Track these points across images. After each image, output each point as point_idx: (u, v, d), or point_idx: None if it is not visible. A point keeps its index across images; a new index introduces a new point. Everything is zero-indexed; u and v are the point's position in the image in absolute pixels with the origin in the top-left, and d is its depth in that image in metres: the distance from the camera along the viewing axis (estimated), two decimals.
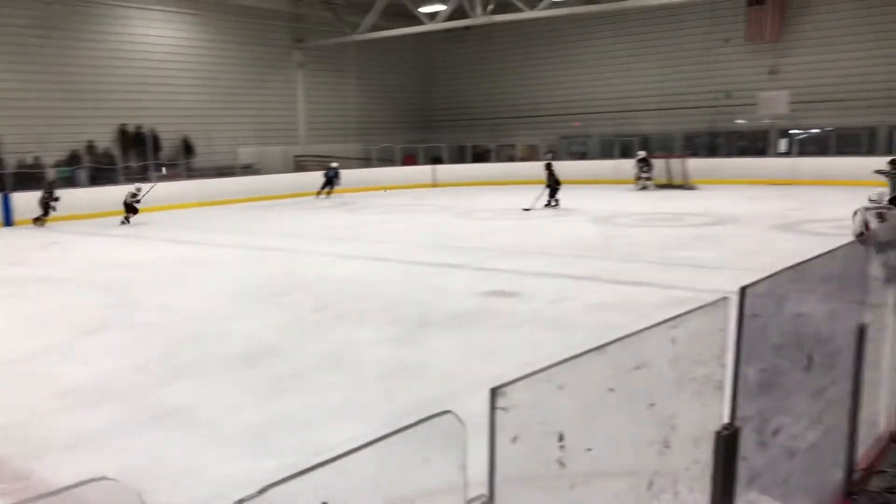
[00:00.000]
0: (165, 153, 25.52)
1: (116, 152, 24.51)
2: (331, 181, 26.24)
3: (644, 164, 25.12)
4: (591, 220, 17.39)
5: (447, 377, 6.48)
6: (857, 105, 25.54)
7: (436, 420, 1.13)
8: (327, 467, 1.01)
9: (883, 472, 2.94)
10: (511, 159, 32.30)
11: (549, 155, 26.58)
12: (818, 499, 2.61)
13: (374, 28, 27.94)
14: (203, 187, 23.93)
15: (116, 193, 20.24)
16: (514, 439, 1.23)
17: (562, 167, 28.91)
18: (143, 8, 25.20)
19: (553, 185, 20.48)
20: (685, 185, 24.82)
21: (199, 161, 25.90)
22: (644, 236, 14.86)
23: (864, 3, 25.10)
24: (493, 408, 1.20)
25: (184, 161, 25.52)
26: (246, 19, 27.90)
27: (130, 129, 24.82)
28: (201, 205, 23.18)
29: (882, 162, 22.07)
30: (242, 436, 5.40)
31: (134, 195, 19.34)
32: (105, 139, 24.32)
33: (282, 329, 8.39)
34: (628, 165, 26.46)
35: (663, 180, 25.32)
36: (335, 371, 6.89)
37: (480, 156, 32.64)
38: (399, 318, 8.71)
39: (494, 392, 1.20)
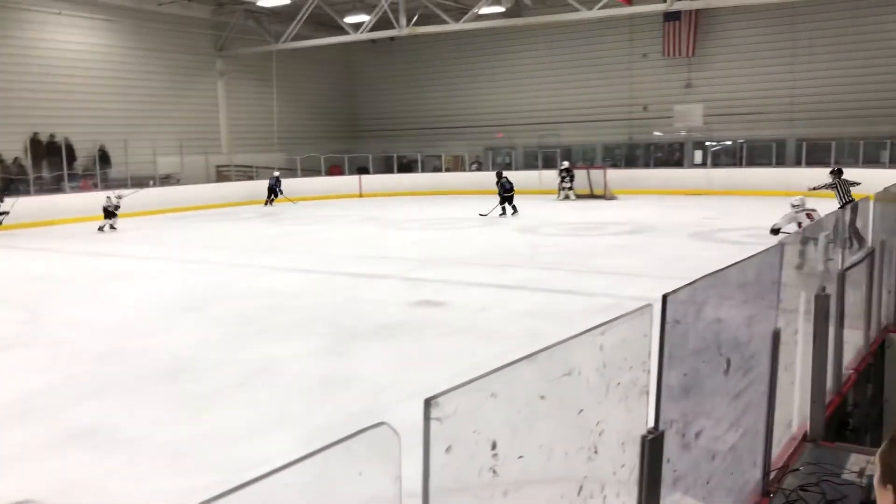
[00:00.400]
0: (80, 163, 24.61)
1: (27, 162, 23.49)
2: (272, 190, 26.28)
3: (566, 174, 25.60)
4: (517, 230, 17.62)
5: (378, 388, 6.44)
6: (765, 118, 26.74)
7: (370, 432, 1.13)
8: (257, 485, 1.00)
9: (796, 470, 3.07)
10: (437, 170, 32.45)
11: (565, 163, 26.90)
12: (737, 498, 2.71)
13: (298, 37, 27.68)
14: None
15: (29, 205, 19.45)
16: (448, 449, 1.24)
17: (487, 178, 29.23)
18: (55, 13, 24.28)
19: (503, 194, 20.80)
20: (606, 196, 25.42)
21: (115, 171, 25.06)
22: (568, 245, 15.15)
23: (770, 22, 26.29)
24: (427, 418, 1.20)
25: (100, 171, 24.64)
26: (165, 26, 27.22)
27: (43, 138, 23.84)
28: (119, 216, 22.41)
29: (792, 173, 23.16)
30: (164, 454, 5.24)
31: (110, 199, 19.63)
32: (15, 149, 23.29)
33: (206, 343, 8.20)
34: (552, 176, 26.95)
35: (585, 191, 25.87)
36: (262, 385, 6.77)
37: (406, 166, 32.68)
38: (327, 329, 8.62)
39: (429, 402, 1.21)
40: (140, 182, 24.54)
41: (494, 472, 1.39)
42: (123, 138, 24.49)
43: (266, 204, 26.21)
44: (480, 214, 20.49)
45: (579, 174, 26.06)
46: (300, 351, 7.73)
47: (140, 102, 26.52)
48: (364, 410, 5.77)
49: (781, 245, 2.86)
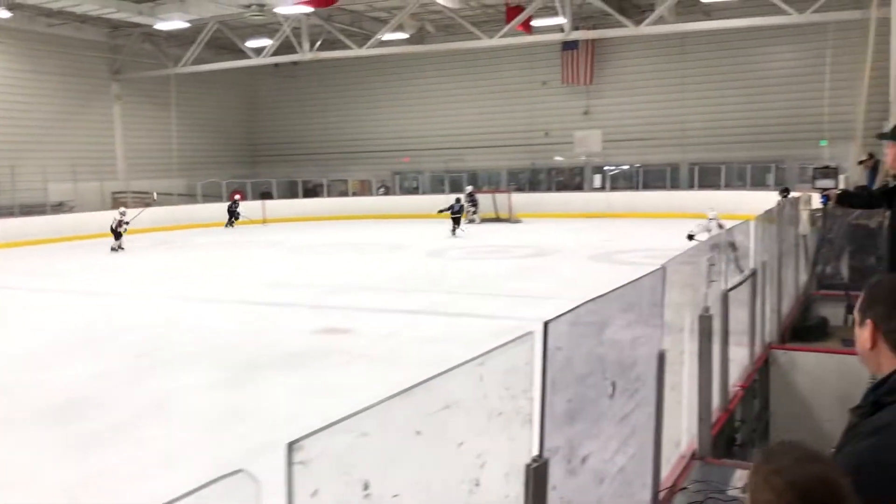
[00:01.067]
0: None
1: None
2: (232, 212, 26.74)
3: (470, 198, 25.86)
4: (425, 254, 17.66)
5: (281, 420, 6.27)
6: (660, 143, 27.89)
7: (226, 481, 1.07)
8: None
9: (685, 489, 3.14)
10: (343, 194, 32.26)
11: (469, 187, 27.17)
12: None
13: (198, 61, 27.10)
14: (7, 227, 21.97)
15: None
16: (315, 493, 1.19)
17: (395, 202, 29.26)
18: None
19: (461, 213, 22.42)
20: (511, 219, 25.84)
21: (2, 198, 23.76)
22: (474, 269, 15.29)
23: (662, 52, 27.51)
24: (290, 463, 1.16)
25: None
26: (57, 48, 26.14)
27: None
28: (6, 246, 21.24)
29: (685, 196, 24.15)
30: (55, 496, 4.95)
31: (119, 221, 19.79)
32: None
33: (100, 378, 7.81)
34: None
35: (491, 214, 26.22)
36: (159, 421, 6.49)
37: (312, 191, 32.34)
38: (228, 361, 8.36)
39: (291, 446, 1.16)
40: (30, 210, 23.40)
41: None
42: (10, 164, 23.28)
43: (227, 226, 26.47)
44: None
45: (485, 198, 26.41)
46: (199, 384, 7.47)
47: (30, 127, 25.35)
48: (264, 445, 5.59)
49: (664, 268, 2.94)
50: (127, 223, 19.91)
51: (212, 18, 25.22)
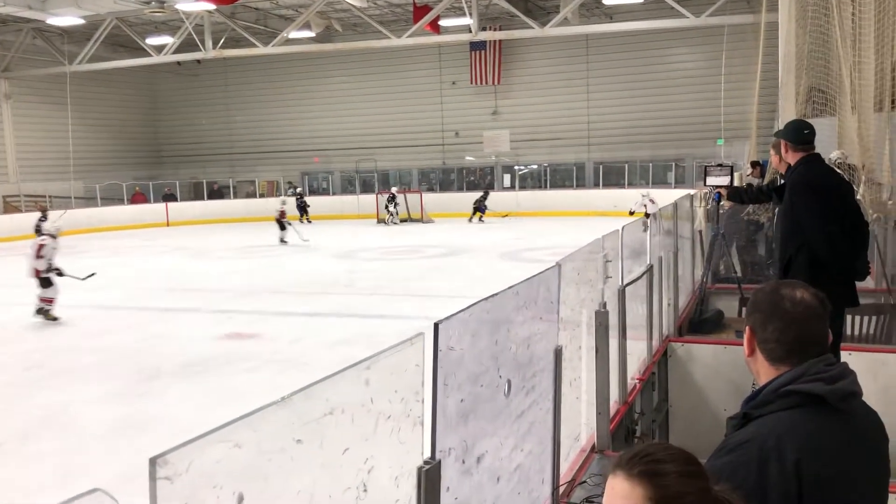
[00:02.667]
0: None
1: None
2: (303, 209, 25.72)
3: (391, 199, 25.77)
4: (334, 256, 17.47)
5: (182, 430, 5.99)
6: (566, 143, 28.51)
7: (82, 500, 1.01)
8: None
9: (584, 482, 3.19)
10: (251, 196, 31.58)
11: (394, 188, 27.05)
12: None
13: (95, 58, 25.97)
14: None
15: None
16: None
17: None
18: None
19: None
20: (423, 219, 25.88)
21: None
22: (385, 270, 15.23)
23: (567, 54, 28.11)
24: (153, 479, 1.10)
25: None
26: None
27: None
28: None
29: (591, 194, 24.74)
30: None
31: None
32: None
33: None
34: (370, 201, 27.09)
35: (403, 214, 26.21)
36: (50, 436, 6.19)
37: (218, 192, 31.51)
38: (126, 370, 8.05)
39: (154, 461, 1.10)
40: None
41: None
42: None
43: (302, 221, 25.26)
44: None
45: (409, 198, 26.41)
46: (95, 395, 7.16)
47: None
48: None
49: (558, 265, 2.98)
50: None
51: (109, 14, 24.20)
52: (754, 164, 11.81)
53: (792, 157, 4.36)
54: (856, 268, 4.35)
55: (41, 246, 10.87)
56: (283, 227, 20.40)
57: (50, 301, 10.73)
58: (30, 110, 28.09)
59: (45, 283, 10.79)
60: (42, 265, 10.70)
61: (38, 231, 17.32)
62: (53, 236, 11.05)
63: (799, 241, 4.33)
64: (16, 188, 27.02)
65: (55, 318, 10.71)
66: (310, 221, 25.74)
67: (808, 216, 4.27)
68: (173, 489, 1.13)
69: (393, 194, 26.01)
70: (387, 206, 25.67)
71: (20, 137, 27.81)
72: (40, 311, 10.70)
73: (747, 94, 22.34)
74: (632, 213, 19.83)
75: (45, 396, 7.22)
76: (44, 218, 17.98)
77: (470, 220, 25.01)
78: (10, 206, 26.51)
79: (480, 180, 30.77)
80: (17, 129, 27.76)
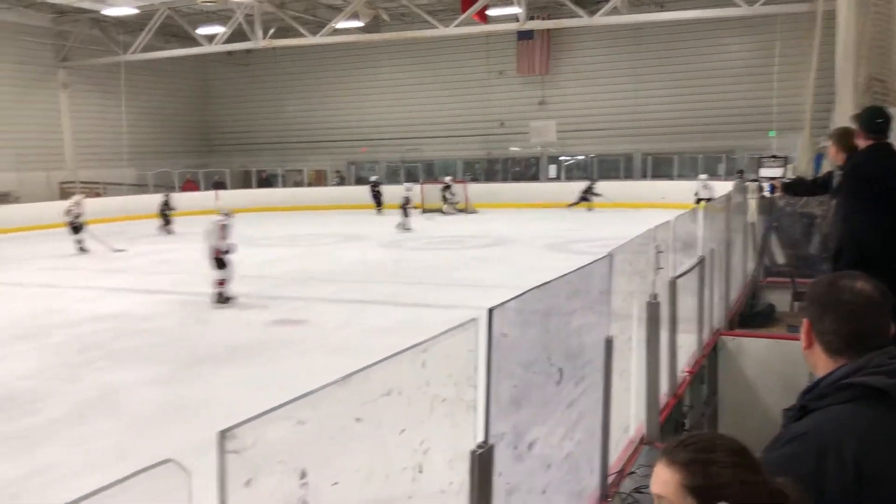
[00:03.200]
0: None
1: None
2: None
3: (447, 188, 25.81)
4: (381, 246, 17.58)
5: (228, 414, 6.13)
6: (614, 134, 28.17)
7: (155, 470, 1.04)
8: None
9: (633, 473, 3.18)
10: (298, 184, 31.93)
11: (448, 178, 26.84)
12: None
13: (148, 48, 26.50)
14: None
15: None
16: (248, 483, 1.16)
17: (350, 193, 29.02)
18: None
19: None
20: (468, 209, 25.86)
21: None
22: (430, 259, 15.28)
23: (616, 43, 27.76)
24: (222, 451, 1.13)
25: None
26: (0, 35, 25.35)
27: None
28: None
29: (639, 185, 24.50)
30: None
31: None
32: None
33: (39, 373, 7.62)
34: (414, 190, 27.12)
35: (461, 204, 26.18)
36: (101, 416, 6.36)
37: (266, 181, 31.93)
38: (175, 354, 8.23)
39: (223, 434, 1.13)
40: None
41: (305, 502, 1.33)
42: None
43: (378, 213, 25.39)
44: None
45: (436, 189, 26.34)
46: (145, 378, 7.33)
47: None
48: (212, 440, 5.52)
49: (611, 255, 2.96)
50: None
51: (162, 5, 24.69)
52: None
53: (862, 144, 4.26)
54: None
55: (223, 226, 11.03)
56: (406, 214, 20.53)
57: (223, 283, 10.87)
58: (86, 99, 28.79)
59: (221, 263, 10.93)
60: (223, 246, 10.88)
61: (164, 215, 17.79)
62: (228, 215, 11.23)
63: (849, 231, 4.25)
64: (72, 175, 27.73)
65: (228, 300, 10.86)
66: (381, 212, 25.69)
67: (854, 204, 4.19)
68: (241, 462, 1.16)
69: (448, 183, 25.98)
70: (444, 196, 25.64)
71: (76, 125, 28.53)
72: (220, 298, 10.83)
73: (801, 85, 21.86)
74: (699, 202, 20.36)
75: (98, 378, 7.42)
76: (167, 203, 18.31)
77: (570, 206, 24.54)
78: (67, 193, 27.19)
79: (526, 170, 30.63)
80: (74, 118, 28.49)
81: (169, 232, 21.20)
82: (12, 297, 12.25)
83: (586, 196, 24.57)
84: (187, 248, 18.06)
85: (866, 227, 4.14)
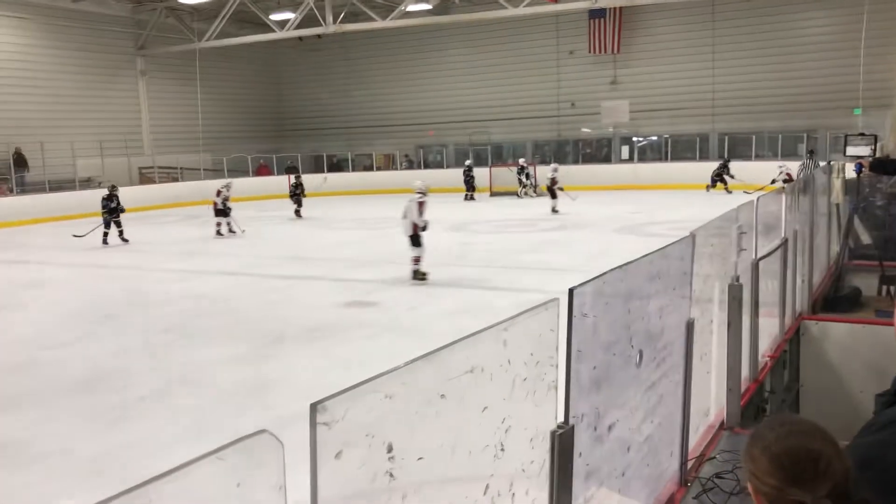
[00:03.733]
0: None
1: None
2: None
3: (521, 171, 25.67)
4: (448, 229, 17.60)
5: (305, 392, 6.26)
6: (688, 113, 27.43)
7: (250, 440, 1.06)
8: (121, 499, 0.92)
9: (713, 458, 3.11)
10: (368, 168, 32.24)
11: (522, 160, 26.72)
12: (654, 488, 2.72)
13: (222, 35, 27.09)
14: (37, 203, 22.28)
15: None
16: (339, 455, 1.18)
17: (420, 176, 29.04)
18: None
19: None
20: (537, 192, 25.66)
21: (33, 174, 24.08)
22: (498, 242, 15.22)
23: (691, 20, 26.99)
24: (313, 423, 1.15)
25: (16, 175, 23.61)
26: (81, 24, 26.28)
27: None
28: (36, 221, 21.57)
29: (715, 167, 23.82)
30: (81, 468, 5.03)
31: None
32: None
33: (125, 352, 7.92)
34: (483, 174, 27.04)
35: (515, 188, 26.06)
36: (185, 393, 6.57)
37: (337, 165, 32.36)
38: (253, 334, 8.44)
39: (314, 407, 1.15)
40: (59, 185, 23.75)
41: (391, 475, 1.34)
42: (39, 140, 23.53)
43: (468, 199, 25.32)
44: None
45: (506, 171, 26.18)
46: (224, 356, 7.54)
47: (56, 103, 25.55)
48: (291, 415, 5.65)
49: (693, 235, 2.89)
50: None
51: None
52: None
53: None
54: None
55: (421, 203, 11.26)
56: (554, 196, 20.39)
57: (419, 260, 11.15)
58: (162, 86, 29.65)
59: (417, 241, 11.18)
60: (421, 222, 11.12)
61: (222, 210, 18.00)
62: (424, 193, 11.44)
63: None
64: (150, 160, 28.66)
65: (425, 276, 11.12)
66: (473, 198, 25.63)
67: None
68: (331, 434, 1.18)
69: (523, 165, 25.80)
70: (520, 179, 25.49)
71: (154, 112, 29.44)
72: (417, 275, 11.09)
73: (889, 61, 20.91)
74: (773, 182, 19.80)
75: (178, 356, 7.67)
76: (226, 187, 18.66)
77: (707, 189, 23.72)
78: (145, 178, 28.15)
79: (597, 152, 30.17)
80: (152, 104, 29.40)
81: (298, 216, 21.12)
82: (98, 278, 12.77)
83: (722, 177, 23.65)
84: (258, 232, 18.47)
85: None
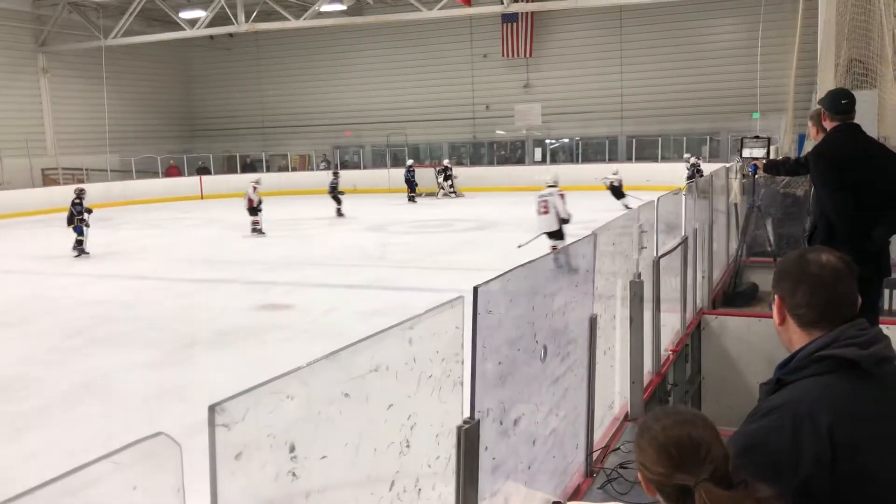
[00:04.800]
0: None
1: None
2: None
3: (443, 172, 25.67)
4: (367, 229, 17.57)
5: (216, 398, 6.18)
6: (598, 116, 28.19)
7: (146, 443, 1.06)
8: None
9: (618, 449, 3.23)
10: (283, 169, 31.78)
11: (446, 161, 26.57)
12: (561, 480, 2.81)
13: (129, 33, 26.20)
14: None
15: None
16: (238, 456, 1.19)
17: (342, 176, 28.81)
18: None
19: None
20: (454, 193, 25.84)
21: None
22: (417, 243, 15.29)
23: (600, 25, 27.72)
24: (211, 424, 1.15)
25: None
26: None
27: None
28: None
29: (624, 168, 24.54)
30: None
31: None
32: None
33: (27, 359, 7.61)
34: (399, 175, 27.03)
35: (432, 189, 26.18)
36: (91, 401, 6.37)
37: (251, 166, 31.75)
38: (163, 339, 8.23)
39: (213, 409, 1.15)
40: None
41: (294, 474, 1.35)
42: None
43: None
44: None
45: (426, 172, 26.26)
46: (133, 362, 7.34)
47: None
48: (201, 423, 5.54)
49: (594, 234, 2.99)
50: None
51: None
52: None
53: (829, 126, 4.33)
54: (871, 236, 4.22)
55: (563, 195, 11.21)
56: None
57: (557, 248, 10.74)
58: (66, 84, 28.46)
59: (560, 234, 10.77)
60: (567, 214, 10.96)
61: (256, 209, 17.34)
62: (556, 185, 11.38)
63: (819, 209, 4.35)
64: (54, 161, 27.47)
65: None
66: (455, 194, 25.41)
67: (819, 183, 4.34)
68: (230, 436, 1.19)
69: (446, 166, 25.85)
70: (446, 179, 25.44)
71: (57, 111, 28.22)
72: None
73: (784, 67, 21.90)
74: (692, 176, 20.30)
75: (86, 363, 7.42)
76: (257, 182, 18.18)
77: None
78: (49, 179, 26.97)
79: (511, 154, 30.63)
80: (55, 103, 28.17)
81: (340, 215, 20.24)
82: (0, 284, 12.18)
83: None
84: (169, 235, 17.96)
85: (828, 204, 4.24)
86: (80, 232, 14.84)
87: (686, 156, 22.57)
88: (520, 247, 13.34)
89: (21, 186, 24.77)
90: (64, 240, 17.52)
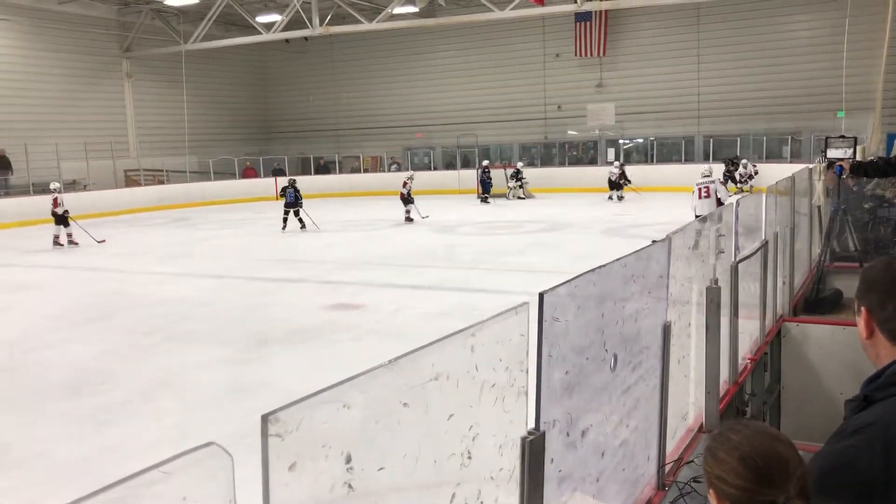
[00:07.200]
0: None
1: None
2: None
3: (517, 174, 25.59)
4: (435, 230, 17.60)
5: (288, 396, 6.17)
6: (674, 116, 27.54)
7: (198, 453, 1.04)
8: None
9: (691, 462, 3.10)
10: (355, 171, 32.18)
11: (520, 163, 26.58)
12: (631, 493, 2.70)
13: (208, 37, 26.98)
14: (22, 205, 22.10)
15: None
16: (293, 466, 1.15)
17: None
18: None
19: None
20: (524, 195, 25.67)
21: (17, 177, 23.88)
22: (485, 244, 15.21)
23: (676, 23, 27.09)
24: (265, 435, 1.12)
25: (0, 178, 23.44)
26: (67, 26, 26.11)
27: None
28: (21, 224, 21.40)
29: (700, 169, 23.82)
30: (61, 473, 4.98)
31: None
32: None
33: (109, 354, 7.85)
34: (470, 176, 27.04)
35: (503, 190, 26.04)
36: (167, 396, 6.52)
37: (324, 167, 32.27)
38: (236, 336, 8.39)
39: (266, 419, 1.12)
40: (44, 188, 23.54)
41: (350, 486, 1.31)
42: (24, 143, 23.33)
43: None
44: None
45: (497, 173, 26.17)
46: (208, 359, 7.49)
47: (41, 105, 25.38)
48: None
49: (669, 238, 2.87)
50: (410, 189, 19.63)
51: None
52: None
53: None
54: None
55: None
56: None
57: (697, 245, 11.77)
58: (148, 88, 29.50)
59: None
60: (728, 200, 11.76)
61: (407, 199, 18.78)
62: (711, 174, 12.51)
63: None
64: (136, 163, 28.49)
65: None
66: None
67: None
68: (284, 446, 1.15)
69: (519, 168, 25.72)
70: (517, 180, 25.32)
71: (140, 114, 29.28)
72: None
73: (872, 62, 21.04)
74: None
75: (162, 359, 7.61)
76: (410, 178, 19.71)
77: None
78: (131, 180, 27.98)
79: (583, 154, 30.24)
80: (137, 107, 29.24)
81: (410, 220, 19.79)
82: (84, 281, 12.66)
83: (733, 177, 23.32)
84: (244, 235, 18.37)
85: None
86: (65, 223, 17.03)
87: (743, 161, 22.80)
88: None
89: (105, 187, 25.78)
90: (145, 238, 18.16)
